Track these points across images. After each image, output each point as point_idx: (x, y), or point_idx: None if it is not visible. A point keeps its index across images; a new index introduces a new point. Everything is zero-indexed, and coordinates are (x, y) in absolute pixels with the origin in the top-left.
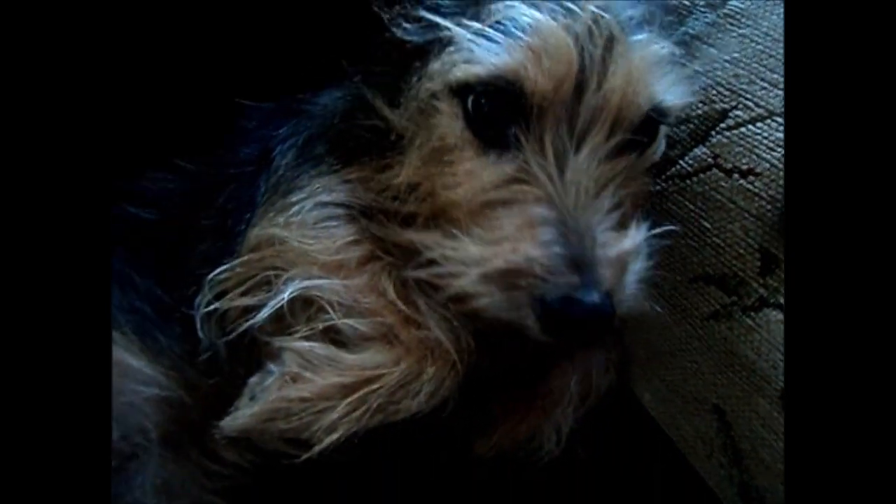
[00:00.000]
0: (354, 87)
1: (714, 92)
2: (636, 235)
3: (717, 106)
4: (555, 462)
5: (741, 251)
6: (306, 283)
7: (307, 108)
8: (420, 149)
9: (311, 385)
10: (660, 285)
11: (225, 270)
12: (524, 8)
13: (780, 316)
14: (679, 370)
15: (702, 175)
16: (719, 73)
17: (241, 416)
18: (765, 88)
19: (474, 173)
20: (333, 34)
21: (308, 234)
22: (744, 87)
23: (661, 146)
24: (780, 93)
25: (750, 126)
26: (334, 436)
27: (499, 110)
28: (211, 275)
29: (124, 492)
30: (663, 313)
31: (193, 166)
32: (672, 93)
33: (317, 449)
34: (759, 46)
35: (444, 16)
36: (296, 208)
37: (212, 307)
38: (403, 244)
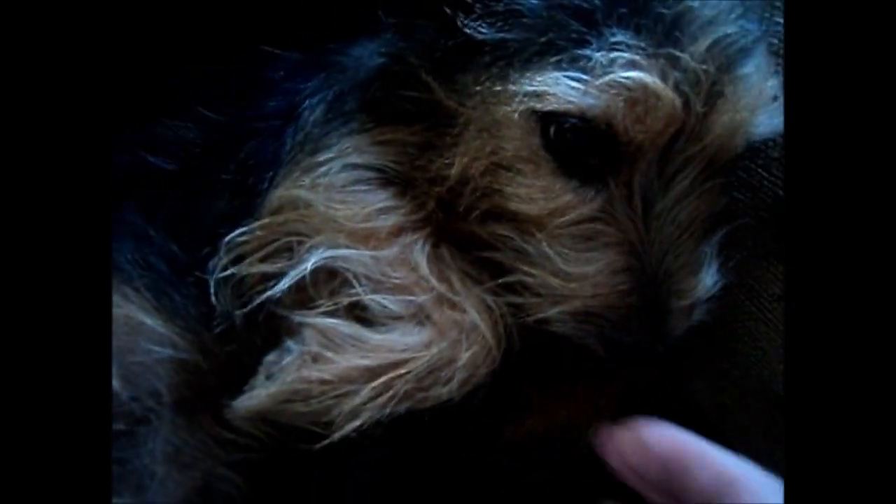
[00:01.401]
0: (392, 44)
1: None
2: (712, 272)
3: None
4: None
5: None
6: (331, 252)
7: (339, 59)
8: (482, 147)
9: (333, 366)
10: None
11: (243, 233)
12: (630, 57)
13: None
14: (741, 357)
15: None
16: None
17: (257, 395)
18: None
19: (552, 192)
20: None
21: (335, 199)
22: None
23: None
24: None
25: None
26: (356, 422)
27: (584, 144)
28: (228, 237)
29: (132, 457)
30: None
31: (214, 115)
32: (767, 126)
33: (337, 435)
34: None
35: (528, 28)
36: (323, 169)
37: (228, 272)
38: (464, 234)
